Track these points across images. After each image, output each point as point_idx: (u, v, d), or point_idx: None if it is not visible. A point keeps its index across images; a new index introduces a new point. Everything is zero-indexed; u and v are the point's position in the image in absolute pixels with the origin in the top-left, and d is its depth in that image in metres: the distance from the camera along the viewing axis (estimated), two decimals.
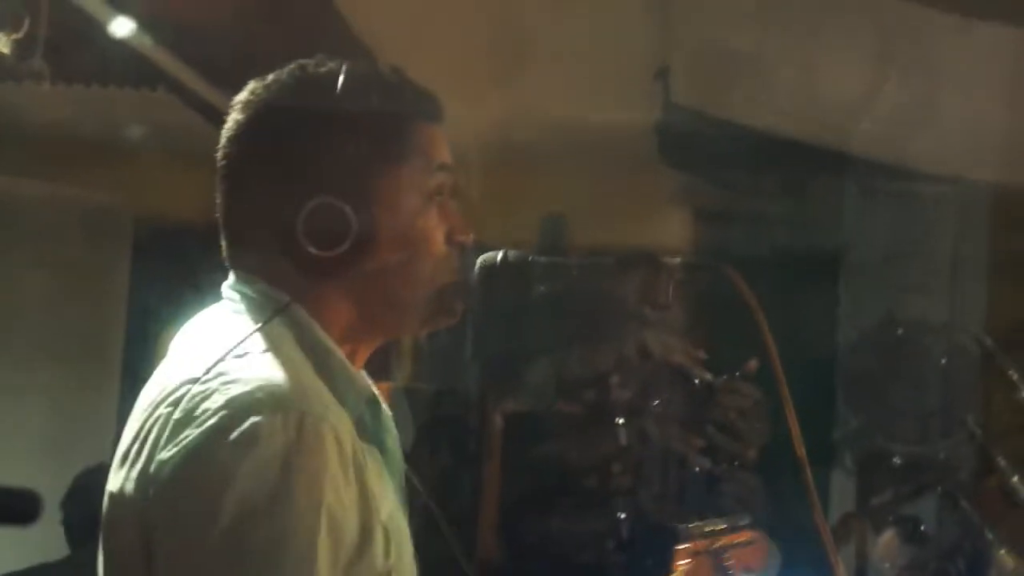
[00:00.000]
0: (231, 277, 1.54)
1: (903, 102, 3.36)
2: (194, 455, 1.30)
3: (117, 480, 1.40)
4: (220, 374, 1.37)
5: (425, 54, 3.28)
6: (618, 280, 1.89)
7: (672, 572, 2.13)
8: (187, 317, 1.55)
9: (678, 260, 1.82)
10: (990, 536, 2.42)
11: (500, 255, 1.79)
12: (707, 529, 2.16)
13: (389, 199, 1.51)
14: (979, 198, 3.53)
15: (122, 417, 1.48)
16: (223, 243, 1.56)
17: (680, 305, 2.01)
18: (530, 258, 1.80)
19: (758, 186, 3.74)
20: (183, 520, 1.30)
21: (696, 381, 3.72)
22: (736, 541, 2.20)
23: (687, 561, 2.12)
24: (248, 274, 1.52)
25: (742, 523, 2.23)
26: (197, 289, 1.62)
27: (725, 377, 3.62)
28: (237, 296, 1.51)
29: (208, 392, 1.34)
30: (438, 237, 1.56)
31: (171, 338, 1.53)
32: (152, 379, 1.47)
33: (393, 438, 1.64)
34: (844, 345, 3.58)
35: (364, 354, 1.59)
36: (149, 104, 3.48)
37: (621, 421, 3.86)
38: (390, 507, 1.47)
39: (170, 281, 3.90)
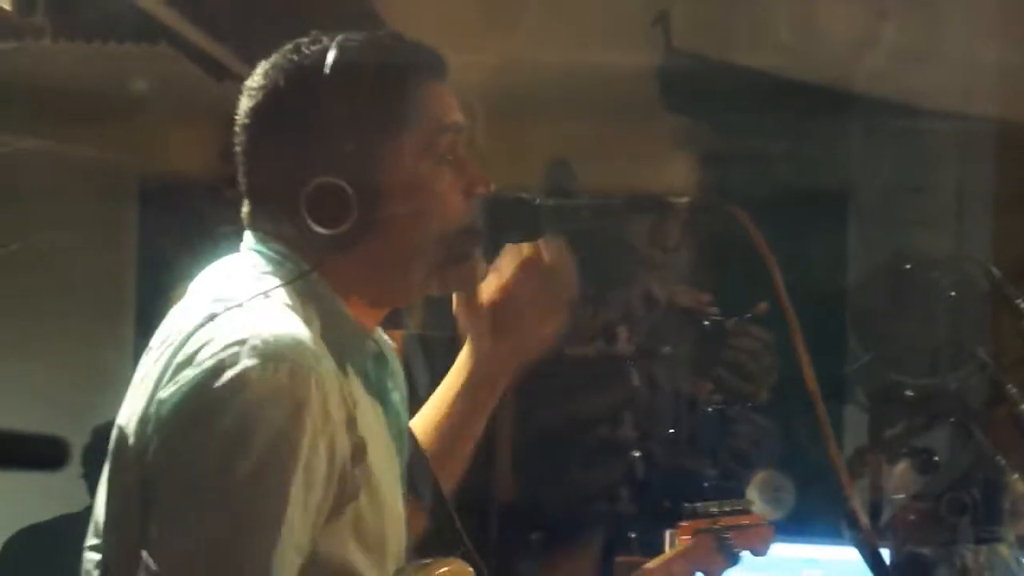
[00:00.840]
0: (249, 236, 1.56)
1: (904, 38, 3.35)
2: (188, 395, 1.36)
3: (123, 415, 1.46)
4: (226, 322, 1.41)
5: (425, 2, 3.28)
6: (626, 222, 1.90)
7: (674, 547, 2.17)
8: (197, 269, 1.57)
9: (686, 201, 1.83)
10: (1002, 464, 2.45)
11: (509, 198, 1.79)
12: (711, 509, 2.19)
13: (398, 164, 1.52)
14: (983, 132, 3.53)
15: (135, 366, 1.51)
16: (244, 206, 1.59)
17: (688, 247, 2.02)
18: (537, 201, 1.80)
19: (762, 127, 3.73)
20: (174, 455, 1.36)
21: (706, 324, 3.74)
22: (741, 523, 2.23)
23: (689, 538, 2.16)
24: (266, 236, 1.55)
25: (747, 506, 2.26)
26: (204, 242, 1.64)
27: (735, 319, 3.63)
28: (255, 253, 1.53)
29: (210, 338, 1.39)
30: (453, 195, 1.57)
31: (181, 291, 1.56)
32: (165, 320, 1.52)
33: (400, 394, 1.66)
34: (853, 282, 3.59)
35: (380, 314, 1.62)
36: (151, 59, 3.47)
37: (631, 366, 3.88)
38: (381, 460, 1.50)
39: (177, 235, 3.91)
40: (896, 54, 3.33)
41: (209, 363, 1.36)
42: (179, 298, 1.54)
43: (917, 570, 2.33)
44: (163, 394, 1.38)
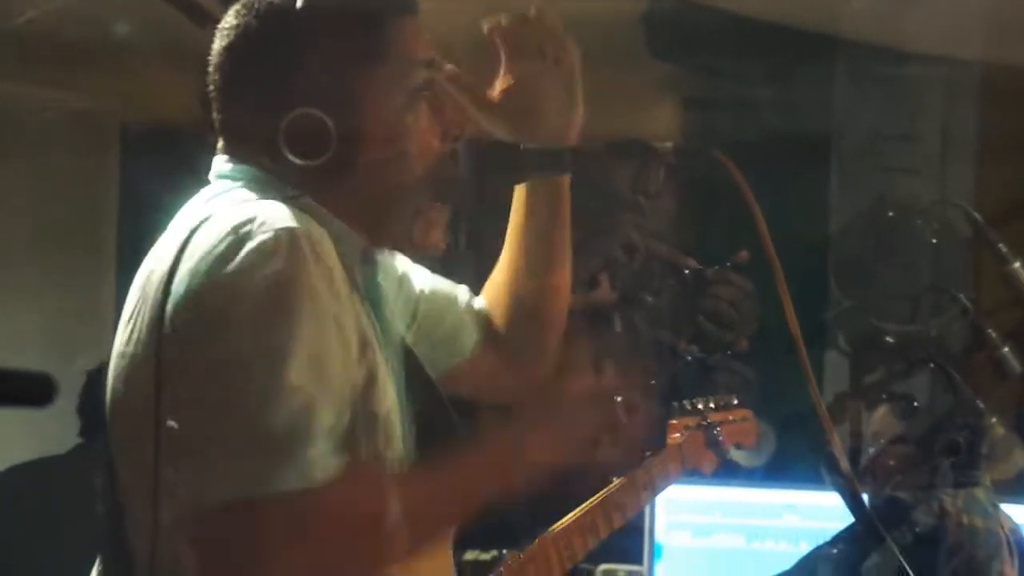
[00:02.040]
0: (226, 164, 1.57)
1: None
2: (201, 264, 1.42)
3: (123, 335, 1.50)
4: (227, 209, 1.48)
5: None
6: (609, 168, 1.90)
7: (664, 445, 2.18)
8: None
9: (669, 146, 1.82)
10: (981, 408, 2.47)
11: (491, 144, 1.79)
12: (699, 406, 2.21)
13: (371, 100, 1.54)
14: (967, 77, 3.52)
15: (119, 316, 1.53)
16: (219, 145, 1.62)
17: (670, 193, 2.01)
18: (521, 146, 1.80)
19: (745, 72, 3.72)
20: (190, 319, 1.41)
21: (686, 272, 3.75)
22: (728, 418, 2.25)
23: (679, 435, 2.17)
24: (247, 163, 1.58)
25: (733, 402, 2.28)
26: (186, 187, 1.65)
27: (716, 267, 3.64)
28: (235, 180, 1.55)
29: (214, 225, 1.45)
30: (428, 135, 1.60)
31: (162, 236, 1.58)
32: (153, 249, 1.55)
33: (388, 297, 1.69)
34: (835, 228, 3.59)
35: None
36: (132, 5, 3.44)
37: (614, 313, 3.89)
38: (370, 356, 1.53)
39: (159, 181, 3.90)
40: None
41: (213, 241, 1.42)
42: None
43: (895, 513, 2.35)
44: (176, 285, 1.42)
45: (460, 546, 1.69)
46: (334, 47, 1.52)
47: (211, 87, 1.59)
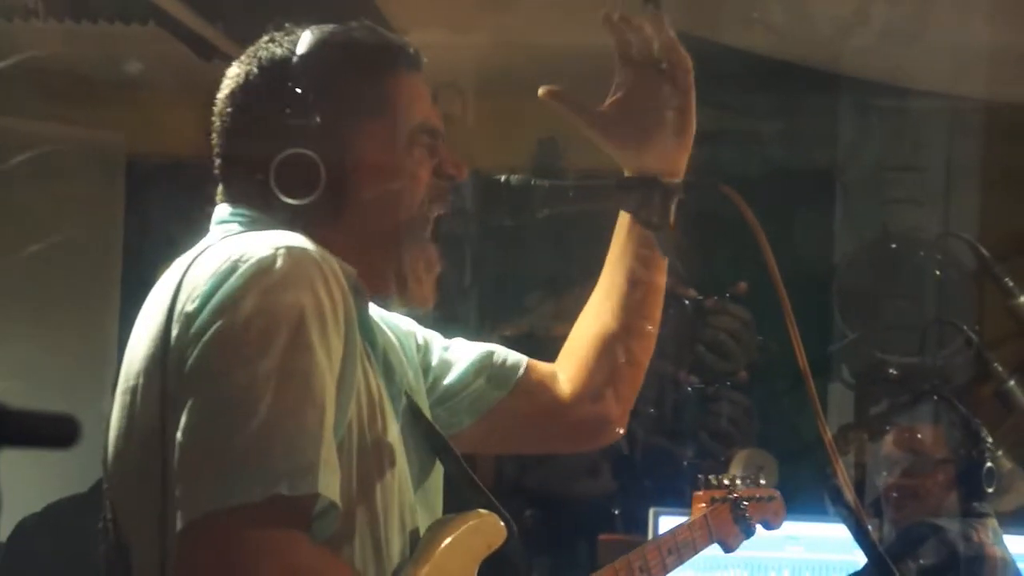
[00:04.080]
0: (224, 210, 1.60)
1: (893, 18, 3.36)
2: (214, 288, 1.42)
3: (127, 371, 1.49)
4: (228, 240, 1.49)
5: None
6: (617, 202, 1.90)
7: (692, 516, 2.16)
8: (184, 248, 1.60)
9: (678, 181, 1.82)
10: (988, 440, 2.47)
11: (502, 179, 1.79)
12: (725, 481, 2.19)
13: (366, 150, 1.57)
14: (971, 111, 3.54)
15: (122, 350, 1.54)
16: (220, 188, 1.63)
17: (674, 226, 2.02)
18: (533, 182, 1.80)
19: (751, 107, 3.74)
20: (206, 350, 1.39)
21: (686, 302, 3.76)
22: (756, 495, 2.23)
23: (705, 505, 2.15)
24: (242, 206, 1.60)
25: (761, 481, 2.26)
26: (191, 221, 1.66)
27: (716, 298, 3.65)
28: (237, 217, 1.58)
29: (219, 253, 1.46)
30: (422, 179, 1.62)
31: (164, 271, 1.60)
32: (153, 293, 1.55)
33: (387, 341, 1.68)
34: (840, 260, 3.60)
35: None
36: (140, 39, 3.47)
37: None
38: (373, 390, 1.53)
39: (164, 214, 3.91)
40: (885, 34, 3.34)
41: (223, 266, 1.42)
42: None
43: (907, 545, 2.36)
44: (187, 309, 1.42)
45: None
46: (333, 99, 1.56)
47: (213, 135, 1.62)
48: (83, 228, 4.10)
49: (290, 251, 1.42)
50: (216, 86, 1.64)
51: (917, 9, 3.35)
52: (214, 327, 1.39)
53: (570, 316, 3.93)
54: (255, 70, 1.58)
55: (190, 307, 1.42)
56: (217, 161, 1.62)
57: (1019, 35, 3.28)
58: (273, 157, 1.53)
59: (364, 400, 1.50)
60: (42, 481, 2.88)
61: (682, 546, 2.06)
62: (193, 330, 1.41)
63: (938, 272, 3.13)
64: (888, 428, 2.69)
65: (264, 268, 1.40)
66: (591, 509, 3.62)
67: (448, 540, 1.58)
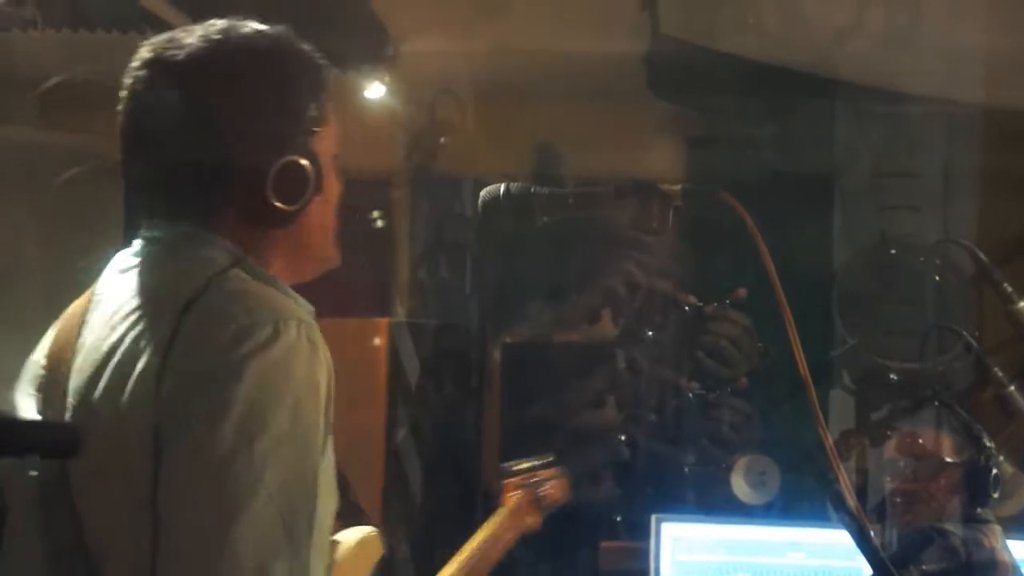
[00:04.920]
0: (165, 225, 1.60)
1: (889, 24, 3.36)
2: (215, 359, 1.42)
3: (95, 392, 1.47)
4: (220, 296, 1.48)
5: None
6: (615, 209, 1.91)
7: (504, 504, 2.30)
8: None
9: (677, 188, 1.83)
10: (989, 445, 2.48)
11: (502, 188, 1.80)
12: (524, 466, 2.34)
13: (321, 156, 1.64)
14: (968, 116, 3.54)
15: None
16: (159, 198, 1.64)
17: (672, 233, 2.02)
18: (532, 189, 1.81)
19: (748, 113, 3.75)
20: (204, 406, 1.40)
21: (685, 309, 3.76)
22: (547, 476, 2.38)
23: (515, 494, 2.28)
24: (185, 222, 1.62)
25: (548, 461, 2.41)
26: None
27: (715, 304, 3.65)
28: (173, 241, 1.60)
29: (214, 311, 1.46)
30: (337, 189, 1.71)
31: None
32: (104, 311, 1.57)
33: None
34: (838, 266, 3.61)
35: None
36: (134, 47, 3.46)
37: (616, 352, 3.90)
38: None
39: None
40: (880, 39, 3.34)
41: (227, 332, 1.43)
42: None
43: (914, 550, 2.35)
44: (181, 366, 1.42)
45: None
46: (304, 109, 1.63)
47: (145, 142, 1.63)
48: (82, 236, 4.10)
49: (291, 325, 1.45)
50: None
51: (913, 14, 3.35)
52: (214, 400, 1.39)
53: (569, 323, 3.93)
54: (215, 77, 1.60)
55: (186, 362, 1.42)
56: (153, 173, 1.62)
57: (1015, 40, 3.29)
58: (260, 163, 1.56)
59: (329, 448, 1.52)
60: None
61: (494, 551, 2.21)
62: (189, 391, 1.41)
63: (937, 277, 3.13)
64: (890, 433, 2.69)
65: (263, 344, 1.42)
66: (593, 516, 3.62)
67: (340, 558, 1.66)
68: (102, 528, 1.44)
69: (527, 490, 2.36)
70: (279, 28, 1.67)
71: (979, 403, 2.62)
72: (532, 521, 2.39)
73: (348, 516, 1.71)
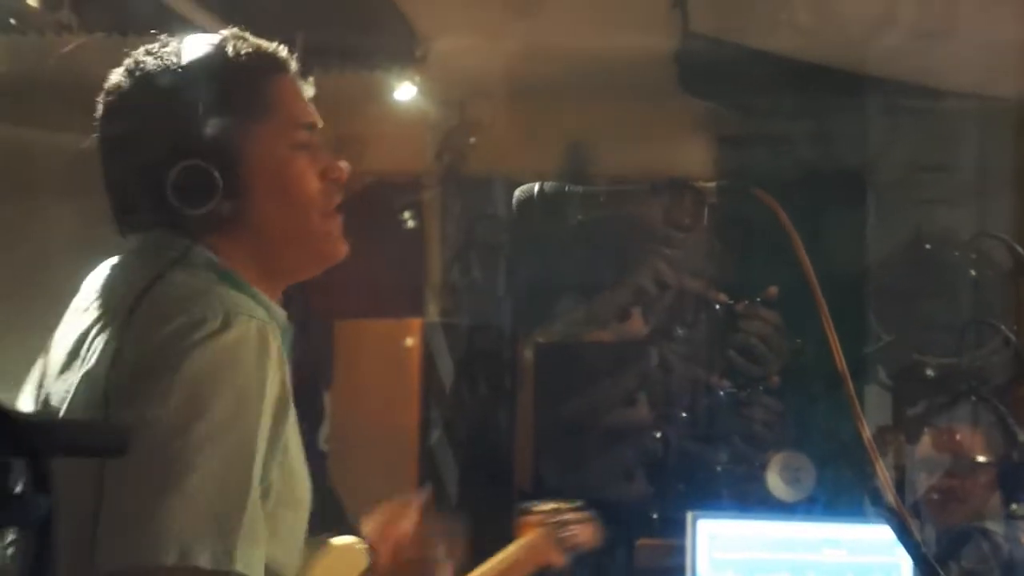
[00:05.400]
0: (135, 235, 1.62)
1: (922, 18, 3.34)
2: (162, 343, 1.43)
3: (61, 385, 1.51)
4: (168, 289, 1.50)
5: None
6: (649, 207, 1.90)
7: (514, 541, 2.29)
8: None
9: (711, 185, 1.82)
10: None
11: (536, 187, 1.79)
12: (547, 508, 2.32)
13: (255, 155, 1.60)
14: (1003, 110, 3.52)
15: None
16: (113, 211, 1.64)
17: (705, 230, 2.02)
18: (566, 188, 1.80)
19: (780, 109, 3.74)
20: (147, 414, 1.40)
21: (716, 307, 3.76)
22: (573, 518, 2.37)
23: (530, 535, 2.28)
24: (144, 225, 1.61)
25: (576, 504, 2.40)
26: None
27: (746, 303, 3.65)
28: (142, 246, 1.61)
29: (160, 306, 1.47)
30: (310, 180, 1.65)
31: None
32: (77, 309, 1.60)
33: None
34: (874, 262, 3.59)
35: (273, 295, 1.68)
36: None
37: (647, 350, 3.90)
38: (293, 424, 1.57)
39: None
40: (914, 34, 3.33)
41: (174, 324, 1.44)
42: None
43: (952, 548, 2.34)
44: (130, 356, 1.44)
45: None
46: (219, 106, 1.58)
47: (102, 151, 1.62)
48: (116, 239, 4.13)
49: (240, 320, 1.45)
50: None
51: (946, 9, 3.33)
52: (160, 382, 1.40)
53: (600, 322, 3.93)
54: (139, 86, 1.59)
55: (137, 349, 1.44)
56: (109, 181, 1.62)
57: None
58: (167, 170, 1.54)
59: (287, 452, 1.51)
60: None
61: None
62: (138, 374, 1.42)
63: (973, 272, 3.11)
64: (926, 430, 2.68)
65: (212, 334, 1.43)
66: (629, 514, 3.62)
67: (323, 563, 1.65)
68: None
69: (547, 528, 2.35)
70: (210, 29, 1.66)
71: (1018, 397, 2.60)
72: (555, 560, 2.37)
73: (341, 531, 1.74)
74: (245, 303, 1.51)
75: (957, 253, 3.17)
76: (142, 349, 1.44)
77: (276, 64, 1.65)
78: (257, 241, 1.60)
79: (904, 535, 1.58)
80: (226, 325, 1.44)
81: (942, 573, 1.51)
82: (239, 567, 1.38)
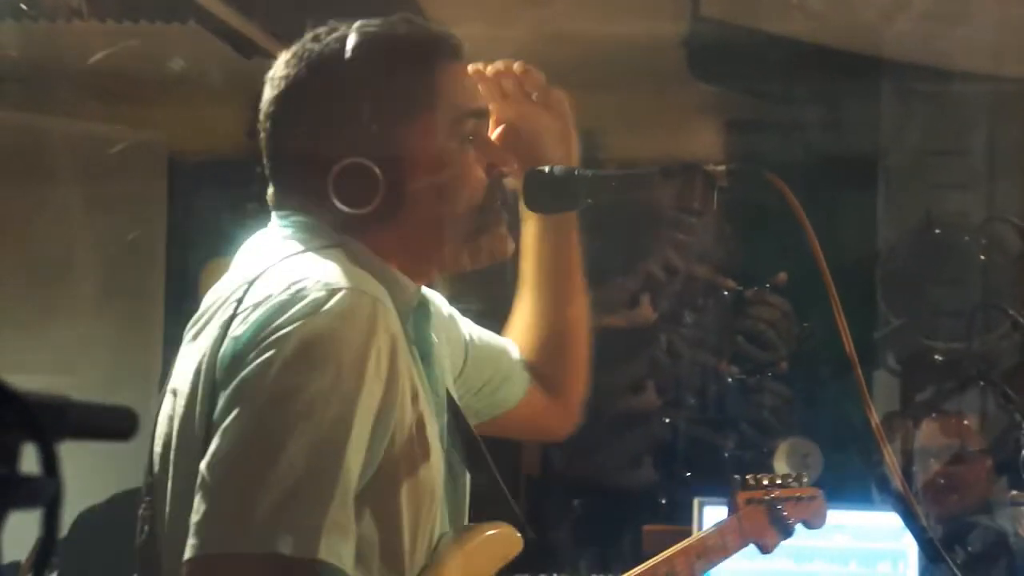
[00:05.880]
0: (275, 217, 1.59)
1: (933, 2, 3.33)
2: (262, 326, 1.41)
3: (177, 378, 1.49)
4: (285, 268, 1.47)
5: None
6: (659, 191, 1.89)
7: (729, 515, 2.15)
8: (225, 245, 1.59)
9: (722, 168, 1.82)
10: None
11: (547, 170, 1.79)
12: (764, 482, 2.18)
13: (420, 147, 1.55)
14: (1014, 94, 3.51)
15: (167, 349, 1.53)
16: (270, 190, 1.62)
17: (715, 215, 2.02)
18: (576, 172, 1.80)
19: (790, 94, 3.73)
20: (248, 382, 1.39)
21: (725, 293, 3.76)
22: (796, 495, 2.21)
23: (739, 507, 2.15)
24: (296, 214, 1.58)
25: (804, 479, 2.24)
26: (233, 218, 1.66)
27: (755, 289, 3.65)
28: (288, 228, 1.57)
29: (276, 280, 1.45)
30: (475, 173, 1.60)
31: (210, 269, 1.59)
32: (214, 287, 1.55)
33: (438, 348, 1.68)
34: (883, 246, 3.59)
35: (422, 281, 1.64)
36: (181, 37, 3.49)
37: (656, 336, 3.90)
38: (420, 408, 1.52)
39: (206, 210, 3.94)
40: (926, 17, 3.31)
41: (278, 298, 1.41)
42: (211, 272, 1.57)
43: (955, 532, 2.34)
44: (236, 332, 1.42)
45: (509, 570, 1.70)
46: (383, 96, 1.53)
47: (261, 134, 1.60)
48: (127, 225, 4.14)
49: (346, 294, 1.41)
50: (257, 83, 1.62)
51: None
52: (255, 363, 1.38)
53: (608, 307, 3.92)
54: (304, 71, 1.55)
55: (239, 331, 1.41)
56: (267, 164, 1.60)
57: None
58: (326, 160, 1.51)
59: (406, 429, 1.47)
60: (98, 474, 2.91)
61: (711, 550, 2.05)
62: (236, 357, 1.40)
63: (983, 256, 3.10)
64: (933, 415, 2.68)
65: (315, 310, 1.39)
66: (636, 499, 3.63)
67: (466, 550, 1.58)
68: (162, 483, 1.49)
69: (762, 506, 2.21)
70: (370, 21, 1.58)
71: None
72: (768, 539, 2.23)
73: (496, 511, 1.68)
74: (358, 276, 1.46)
75: (967, 238, 3.16)
76: (245, 329, 1.41)
77: (447, 50, 1.60)
78: (414, 234, 1.56)
79: (911, 521, 1.58)
80: (326, 300, 1.40)
81: (948, 558, 1.51)
82: (323, 555, 1.33)
